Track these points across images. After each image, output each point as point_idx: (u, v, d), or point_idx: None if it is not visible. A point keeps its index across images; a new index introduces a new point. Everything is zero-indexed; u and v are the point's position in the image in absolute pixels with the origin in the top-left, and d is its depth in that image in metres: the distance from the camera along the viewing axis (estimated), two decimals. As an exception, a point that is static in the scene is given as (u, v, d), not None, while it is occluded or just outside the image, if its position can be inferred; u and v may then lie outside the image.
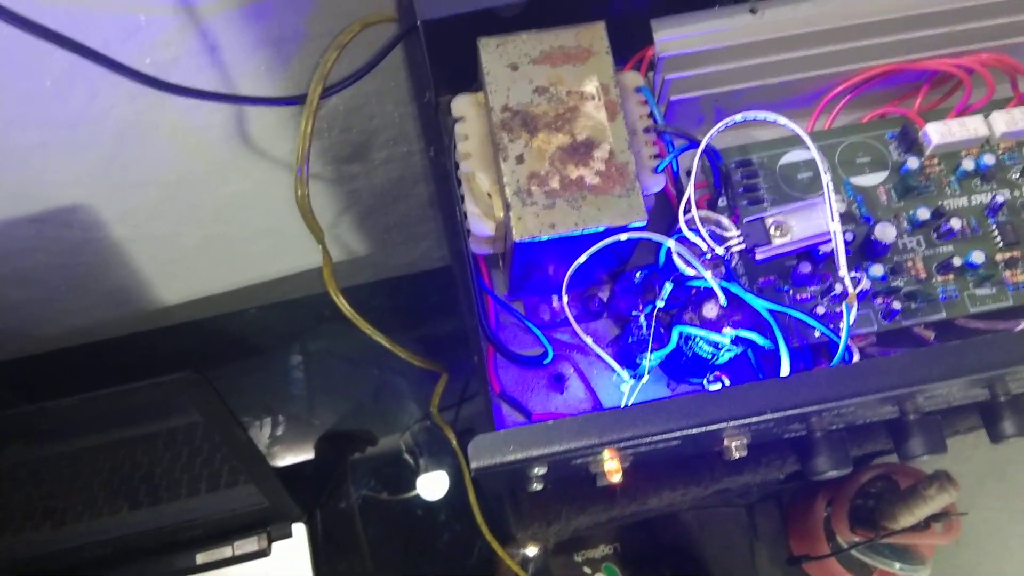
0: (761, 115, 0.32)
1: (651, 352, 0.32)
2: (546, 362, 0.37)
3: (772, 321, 0.32)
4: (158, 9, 0.47)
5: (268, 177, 0.74)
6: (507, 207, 0.31)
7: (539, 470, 0.29)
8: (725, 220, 0.33)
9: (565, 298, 0.33)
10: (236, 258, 0.88)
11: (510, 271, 0.35)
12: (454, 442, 0.73)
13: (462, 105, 0.34)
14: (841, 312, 0.33)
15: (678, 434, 0.28)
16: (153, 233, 0.77)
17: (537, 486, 0.31)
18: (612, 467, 0.30)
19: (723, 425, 0.28)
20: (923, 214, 0.35)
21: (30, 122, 0.56)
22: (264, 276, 0.94)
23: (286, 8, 0.52)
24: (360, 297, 0.64)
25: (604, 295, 0.37)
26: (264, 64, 0.54)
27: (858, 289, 0.31)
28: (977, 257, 0.34)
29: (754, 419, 0.28)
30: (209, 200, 0.74)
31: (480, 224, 0.33)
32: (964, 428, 0.37)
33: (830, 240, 0.32)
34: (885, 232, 0.33)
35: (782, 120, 0.32)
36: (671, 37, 0.35)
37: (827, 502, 0.74)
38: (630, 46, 0.37)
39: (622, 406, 0.32)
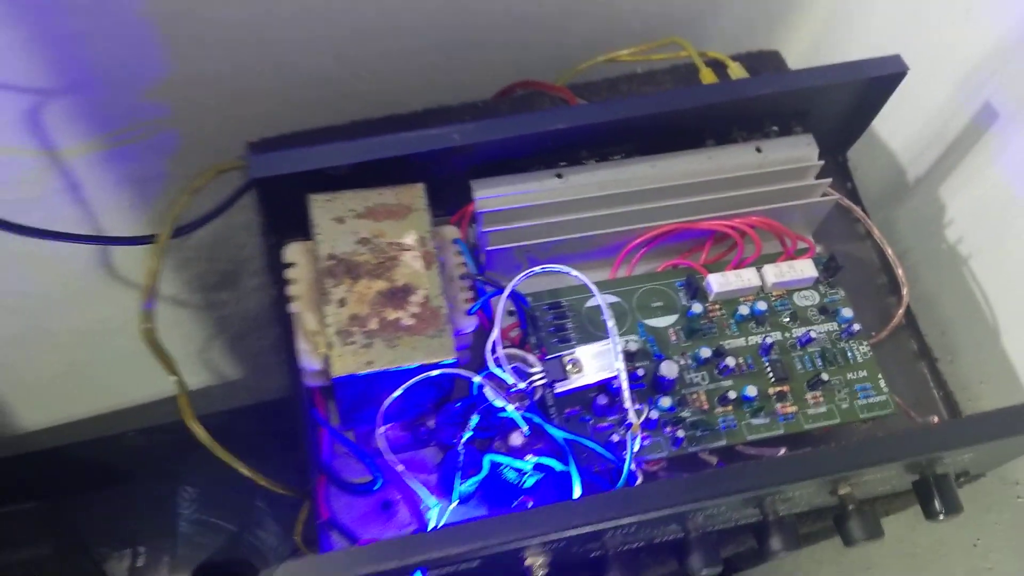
0: (555, 268, 0.36)
1: (463, 479, 0.35)
2: (375, 488, 0.38)
3: (567, 449, 0.35)
4: (20, 151, 0.49)
5: (134, 304, 0.74)
6: (329, 346, 0.34)
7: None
8: (531, 357, 0.37)
9: (380, 429, 0.35)
10: (100, 384, 0.86)
11: (337, 404, 0.37)
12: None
13: (293, 252, 0.37)
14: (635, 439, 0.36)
15: (477, 549, 0.30)
16: (12, 360, 0.76)
17: None
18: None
19: (514, 543, 0.30)
20: (705, 353, 0.39)
21: None
22: (131, 401, 0.92)
23: (149, 151, 0.54)
24: (232, 422, 0.64)
25: (431, 424, 0.39)
26: (128, 201, 0.56)
27: (641, 419, 0.35)
28: (751, 391, 0.38)
29: (541, 537, 0.30)
30: (71, 326, 0.73)
31: (309, 359, 0.36)
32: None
33: (615, 379, 0.35)
34: (670, 369, 0.37)
35: (574, 272, 0.36)
36: (488, 196, 0.40)
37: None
38: (455, 201, 0.41)
39: (427, 530, 0.34)
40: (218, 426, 0.54)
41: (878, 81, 0.42)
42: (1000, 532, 0.53)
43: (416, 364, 0.34)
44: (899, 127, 0.53)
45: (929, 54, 0.48)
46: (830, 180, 0.43)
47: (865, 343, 0.41)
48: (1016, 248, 0.47)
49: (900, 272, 0.45)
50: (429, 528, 0.34)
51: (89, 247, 0.62)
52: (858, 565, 0.61)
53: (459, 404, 0.38)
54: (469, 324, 0.36)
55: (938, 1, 0.49)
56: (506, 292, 0.36)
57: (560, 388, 0.36)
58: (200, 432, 0.57)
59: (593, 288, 0.36)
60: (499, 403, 0.35)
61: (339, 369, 0.33)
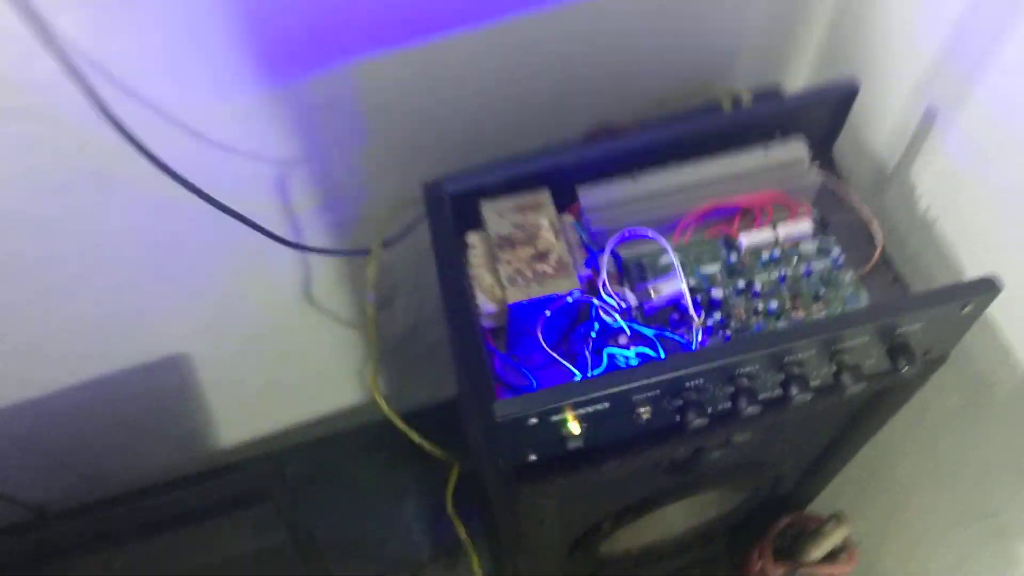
0: (639, 231, 0.57)
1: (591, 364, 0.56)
2: (534, 389, 0.59)
3: (656, 342, 0.55)
4: (267, 206, 0.73)
5: (323, 327, 0.97)
6: (503, 288, 0.56)
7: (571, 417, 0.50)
8: (627, 292, 0.57)
9: (540, 335, 0.56)
10: (288, 400, 1.09)
11: (507, 332, 0.58)
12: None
13: (472, 238, 0.59)
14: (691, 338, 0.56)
15: (609, 392, 0.50)
16: (230, 377, 0.99)
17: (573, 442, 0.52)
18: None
19: (627, 386, 0.50)
20: (740, 285, 0.59)
21: (161, 289, 0.80)
22: (308, 416, 1.14)
23: (347, 202, 0.78)
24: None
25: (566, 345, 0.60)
26: (333, 237, 0.80)
27: (700, 320, 0.55)
28: (774, 305, 0.58)
29: (645, 381, 0.50)
30: (277, 347, 0.97)
31: (487, 303, 0.57)
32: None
33: (684, 297, 0.56)
34: (718, 292, 0.58)
35: (651, 233, 0.57)
36: (588, 196, 0.61)
37: (758, 554, 0.93)
38: (569, 200, 0.62)
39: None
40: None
41: (841, 97, 0.63)
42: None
43: (557, 293, 0.55)
44: (871, 130, 0.73)
45: (887, 69, 0.69)
46: (817, 163, 0.63)
47: (851, 272, 0.60)
48: (965, 208, 0.66)
49: (875, 224, 0.64)
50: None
51: (300, 276, 0.85)
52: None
53: (582, 327, 0.58)
54: (586, 273, 0.58)
55: (884, 28, 0.70)
56: (607, 251, 0.57)
57: (649, 304, 0.56)
58: (381, 402, 0.78)
59: (664, 241, 0.57)
60: (608, 319, 0.56)
61: (513, 297, 0.55)
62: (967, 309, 0.54)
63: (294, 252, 0.82)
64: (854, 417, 0.72)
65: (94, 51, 0.55)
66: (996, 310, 0.65)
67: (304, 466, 1.10)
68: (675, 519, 0.89)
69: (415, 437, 0.82)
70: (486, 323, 0.60)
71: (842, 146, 0.71)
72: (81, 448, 0.97)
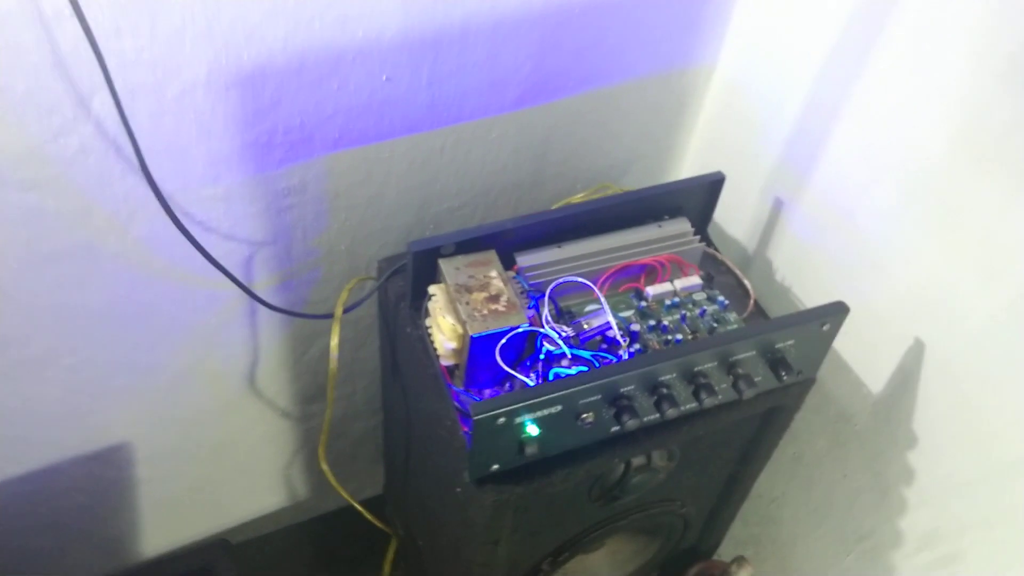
0: (575, 279, 0.70)
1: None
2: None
3: (593, 360, 0.67)
4: (225, 285, 0.81)
5: (260, 417, 1.03)
6: (464, 324, 0.67)
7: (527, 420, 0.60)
8: (564, 326, 0.70)
9: (498, 356, 0.67)
10: (216, 501, 1.11)
11: (466, 365, 0.69)
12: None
13: (434, 288, 0.70)
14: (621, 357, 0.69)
15: (557, 396, 0.61)
16: (162, 473, 1.01)
17: (530, 449, 0.62)
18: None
19: (569, 390, 0.62)
20: (651, 323, 0.73)
21: (120, 367, 0.85)
22: (235, 520, 1.16)
23: (297, 290, 0.87)
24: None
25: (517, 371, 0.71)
26: (288, 324, 0.89)
27: (625, 345, 0.68)
28: (679, 337, 0.72)
29: (584, 386, 0.62)
30: (214, 438, 1.01)
31: (448, 342, 0.68)
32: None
33: (611, 328, 0.69)
34: (635, 327, 0.71)
35: (581, 280, 0.71)
36: (524, 259, 0.74)
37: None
38: (509, 261, 0.75)
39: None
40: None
41: (711, 185, 0.80)
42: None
43: (509, 326, 0.67)
44: (739, 214, 0.92)
45: (746, 170, 0.88)
46: (699, 236, 0.79)
47: (735, 313, 0.76)
48: (809, 269, 0.84)
49: (747, 282, 0.80)
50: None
51: (245, 362, 0.92)
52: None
53: (529, 359, 0.70)
54: (530, 313, 0.70)
55: (742, 139, 0.90)
56: (547, 293, 0.70)
57: (583, 334, 0.69)
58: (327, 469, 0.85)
59: (591, 284, 0.70)
60: (551, 346, 0.68)
61: (473, 330, 0.66)
62: (826, 327, 0.70)
63: (245, 335, 0.89)
64: (745, 451, 0.85)
65: (117, 131, 0.65)
66: (845, 348, 0.82)
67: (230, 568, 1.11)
68: (602, 571, 0.97)
69: (359, 508, 0.89)
70: (446, 362, 0.70)
71: (721, 225, 0.88)
72: (3, 551, 0.95)
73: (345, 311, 0.78)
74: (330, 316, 0.78)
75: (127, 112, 0.62)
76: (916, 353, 0.76)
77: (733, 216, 0.94)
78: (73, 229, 0.70)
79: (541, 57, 0.79)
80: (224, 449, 1.03)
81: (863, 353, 0.83)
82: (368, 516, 0.93)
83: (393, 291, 0.78)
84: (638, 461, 0.76)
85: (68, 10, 0.56)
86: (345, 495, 0.91)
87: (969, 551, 0.77)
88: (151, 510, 1.04)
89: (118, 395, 0.88)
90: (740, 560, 0.99)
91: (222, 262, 0.76)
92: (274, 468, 1.12)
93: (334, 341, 0.78)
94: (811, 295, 0.86)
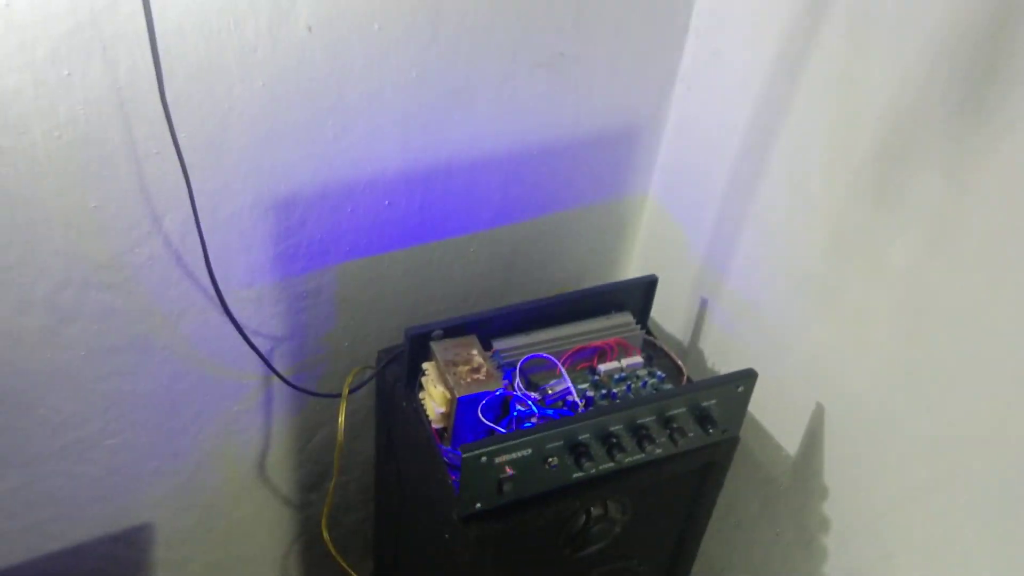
0: (539, 353, 0.88)
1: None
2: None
3: (554, 416, 0.83)
4: (248, 375, 0.97)
5: (266, 503, 1.15)
6: (452, 390, 0.83)
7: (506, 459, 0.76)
8: (532, 392, 0.86)
9: (480, 414, 0.83)
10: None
11: (453, 426, 0.84)
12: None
13: (427, 365, 0.87)
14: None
15: (526, 442, 0.77)
16: (177, 556, 1.12)
17: (507, 487, 0.77)
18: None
19: (529, 438, 0.78)
20: (603, 392, 0.90)
21: (154, 451, 0.99)
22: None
23: (306, 381, 1.03)
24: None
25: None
26: (297, 413, 1.04)
27: (583, 404, 0.85)
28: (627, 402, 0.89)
29: (552, 432, 0.78)
30: (224, 523, 1.13)
31: (438, 407, 0.84)
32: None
33: (571, 392, 0.86)
34: (590, 393, 0.88)
35: (545, 354, 0.88)
36: (499, 343, 0.92)
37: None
38: (488, 344, 0.92)
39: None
40: None
41: (647, 285, 0.99)
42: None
43: (488, 390, 0.83)
44: (674, 310, 1.11)
45: (677, 275, 1.08)
46: (640, 325, 0.98)
47: (670, 384, 0.93)
48: (732, 354, 1.03)
49: (680, 362, 0.98)
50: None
51: (258, 449, 1.06)
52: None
53: (503, 421, 0.86)
54: (504, 384, 0.86)
55: (674, 252, 1.10)
56: (518, 366, 0.87)
57: (547, 397, 0.86)
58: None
59: (553, 358, 0.88)
60: (522, 407, 0.84)
61: (460, 393, 0.82)
62: (740, 388, 0.87)
63: (260, 423, 1.04)
64: (689, 509, 0.99)
65: (179, 243, 0.83)
66: (764, 417, 1.00)
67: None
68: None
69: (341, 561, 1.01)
70: (436, 426, 0.86)
71: (660, 323, 1.07)
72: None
73: (351, 391, 0.94)
74: (339, 395, 0.94)
75: (189, 230, 0.81)
76: (818, 415, 0.94)
77: (670, 315, 1.13)
78: (134, 324, 0.86)
79: (507, 187, 1.00)
80: (232, 535, 1.14)
81: (779, 420, 1.00)
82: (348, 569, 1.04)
83: (390, 376, 0.95)
84: (597, 511, 0.90)
85: (157, 148, 0.75)
86: (345, 565, 1.03)
87: (878, 583, 0.92)
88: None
89: (149, 478, 1.00)
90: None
91: (245, 357, 0.92)
92: (274, 556, 1.22)
93: (341, 417, 0.93)
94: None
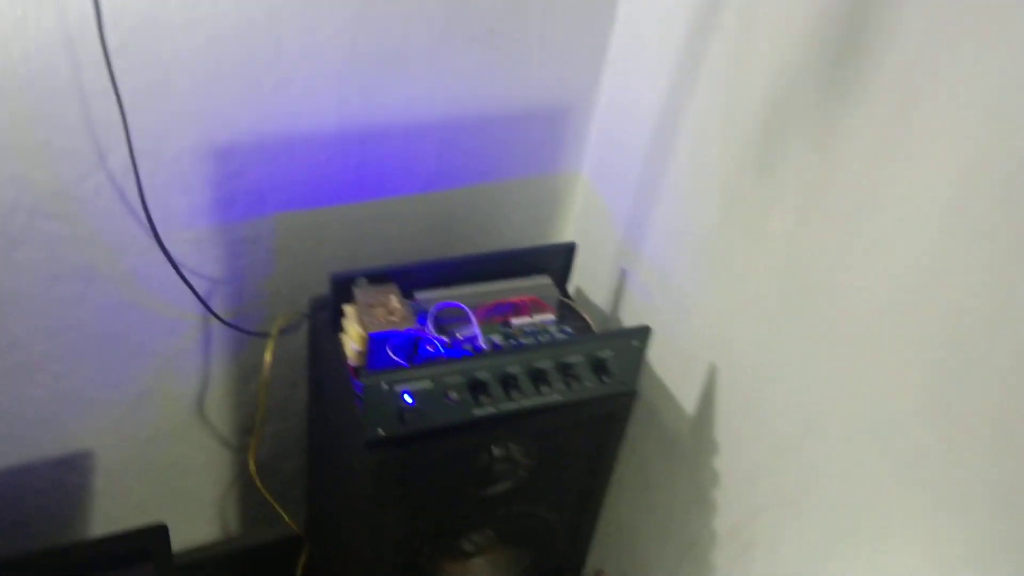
0: (453, 302, 0.95)
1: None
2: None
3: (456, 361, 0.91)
4: (187, 314, 1.04)
5: (204, 444, 1.22)
6: (366, 328, 0.90)
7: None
8: (443, 335, 0.93)
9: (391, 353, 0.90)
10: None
11: (366, 363, 0.91)
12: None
13: (347, 307, 0.94)
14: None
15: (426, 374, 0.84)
16: (116, 487, 1.19)
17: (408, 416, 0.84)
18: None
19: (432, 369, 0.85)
20: (512, 343, 0.97)
21: (94, 381, 1.06)
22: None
23: (243, 324, 1.10)
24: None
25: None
26: (235, 356, 1.11)
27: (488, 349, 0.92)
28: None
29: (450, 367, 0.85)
30: (163, 459, 1.20)
31: (354, 344, 0.91)
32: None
33: (478, 337, 0.93)
34: (498, 342, 0.95)
35: (458, 302, 0.95)
36: (420, 295, 0.99)
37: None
38: (410, 296, 0.99)
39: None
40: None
41: (566, 251, 1.07)
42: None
43: (399, 329, 0.90)
44: (598, 277, 1.18)
45: (601, 247, 1.15)
46: (558, 289, 1.05)
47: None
48: (649, 319, 1.10)
49: (590, 321, 1.05)
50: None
51: (197, 389, 1.13)
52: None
53: (415, 359, 0.93)
54: (417, 327, 0.93)
55: (599, 224, 1.18)
56: (431, 311, 0.94)
57: (455, 340, 0.93)
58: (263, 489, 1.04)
59: (463, 305, 0.95)
60: (431, 348, 0.91)
61: (372, 329, 0.89)
62: (635, 343, 0.94)
63: (198, 363, 1.11)
64: (592, 462, 1.06)
65: (123, 181, 0.90)
66: (670, 379, 1.07)
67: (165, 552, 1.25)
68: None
69: (274, 504, 1.07)
70: (353, 363, 0.93)
71: (587, 294, 1.15)
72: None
73: (281, 332, 1.01)
74: (268, 335, 1.01)
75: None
76: (712, 375, 1.01)
77: (596, 287, 1.20)
78: (80, 254, 0.93)
79: (442, 154, 1.07)
80: (172, 471, 1.21)
81: (682, 383, 1.07)
82: (286, 519, 1.11)
83: (319, 323, 1.02)
84: (500, 452, 0.97)
85: (103, 87, 0.82)
86: (269, 497, 1.09)
87: (759, 533, 0.98)
88: (101, 524, 1.20)
89: (90, 406, 1.07)
90: (599, 573, 1.17)
91: (184, 297, 0.99)
92: (212, 496, 1.29)
93: (268, 355, 1.00)
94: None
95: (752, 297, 0.92)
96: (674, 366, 1.08)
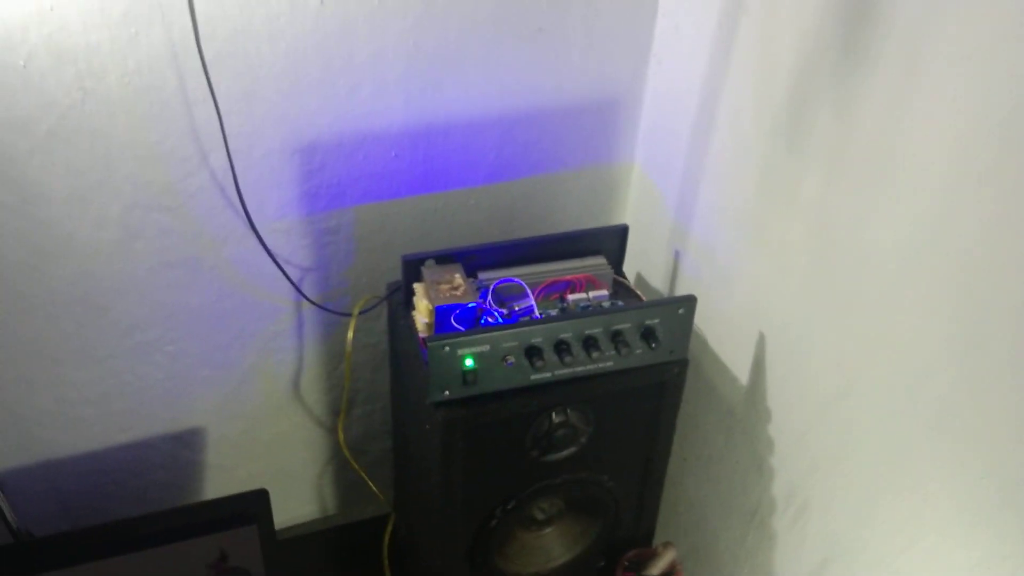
0: (510, 278, 1.03)
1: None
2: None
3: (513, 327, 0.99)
4: (282, 300, 1.16)
5: (301, 423, 1.34)
6: (433, 302, 0.99)
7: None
8: (501, 308, 1.02)
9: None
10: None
11: (433, 332, 1.01)
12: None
13: (417, 285, 1.04)
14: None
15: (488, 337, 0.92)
16: (226, 462, 1.32)
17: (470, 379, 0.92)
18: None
19: (495, 334, 0.93)
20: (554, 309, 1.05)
21: (205, 360, 1.19)
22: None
23: (336, 306, 1.22)
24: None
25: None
26: (326, 339, 1.22)
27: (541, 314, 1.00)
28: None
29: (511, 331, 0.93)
30: (265, 436, 1.32)
31: (422, 317, 1.01)
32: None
33: (534, 309, 1.01)
34: (551, 314, 1.03)
35: (515, 278, 1.03)
36: (483, 274, 1.08)
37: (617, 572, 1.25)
38: (473, 275, 1.08)
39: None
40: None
41: (620, 232, 1.13)
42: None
43: (463, 303, 0.99)
44: (653, 258, 1.24)
45: (655, 230, 1.22)
46: (612, 268, 1.12)
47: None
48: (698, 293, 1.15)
49: (643, 297, 1.11)
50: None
51: (293, 370, 1.25)
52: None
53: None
54: (479, 301, 1.02)
55: (652, 208, 1.24)
56: (491, 287, 1.03)
57: (514, 313, 1.01)
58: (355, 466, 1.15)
59: (520, 281, 1.03)
60: (491, 319, 1.00)
61: (438, 302, 0.99)
62: (681, 311, 1.00)
63: (294, 344, 1.23)
64: (649, 429, 1.12)
65: (223, 178, 1.03)
66: (723, 351, 1.12)
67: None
68: (554, 550, 1.21)
69: (363, 475, 1.18)
70: (422, 335, 1.03)
71: (645, 277, 1.21)
72: (93, 495, 1.25)
73: (361, 312, 1.12)
74: (349, 315, 1.12)
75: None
76: (760, 343, 1.05)
77: (654, 270, 1.26)
78: (188, 245, 1.07)
79: (501, 147, 1.16)
80: (273, 448, 1.33)
81: (733, 354, 1.12)
82: (376, 491, 1.21)
83: (395, 303, 1.12)
84: (559, 418, 1.04)
85: (203, 96, 0.95)
86: (362, 473, 1.20)
87: (812, 494, 1.02)
88: (211, 496, 1.34)
89: (201, 384, 1.21)
90: (667, 544, 1.22)
91: (276, 281, 1.12)
92: (311, 473, 1.41)
93: (350, 333, 1.11)
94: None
95: (788, 264, 0.96)
96: (725, 339, 1.12)
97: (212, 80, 0.92)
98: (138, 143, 0.96)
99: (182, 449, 1.26)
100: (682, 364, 1.05)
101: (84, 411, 1.14)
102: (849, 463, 0.92)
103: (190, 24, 0.89)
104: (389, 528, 1.29)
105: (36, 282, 1.00)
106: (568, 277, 1.09)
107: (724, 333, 1.11)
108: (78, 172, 0.95)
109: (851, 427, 0.91)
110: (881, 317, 0.83)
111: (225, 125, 0.96)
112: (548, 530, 1.22)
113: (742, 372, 1.10)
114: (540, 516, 1.20)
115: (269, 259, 1.10)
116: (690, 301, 1.00)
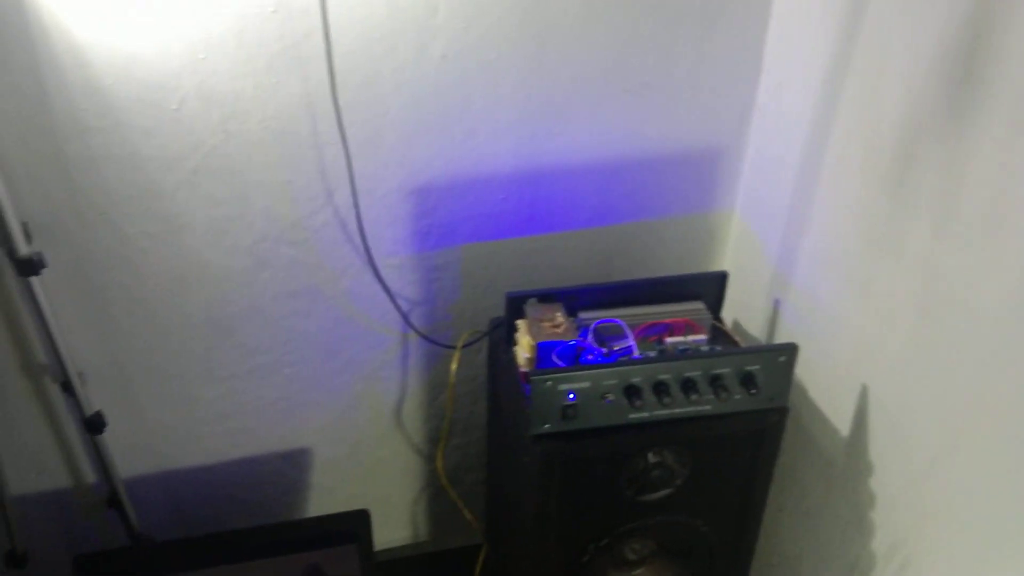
0: (613, 320, 1.05)
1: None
2: (547, 409, 1.02)
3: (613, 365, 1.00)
4: (387, 330, 1.21)
5: (400, 450, 1.38)
6: (535, 338, 1.02)
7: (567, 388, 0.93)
8: (602, 348, 1.03)
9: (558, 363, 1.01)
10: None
11: (535, 366, 1.03)
12: None
13: (520, 321, 1.07)
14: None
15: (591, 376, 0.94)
16: (328, 483, 1.37)
17: (570, 414, 0.94)
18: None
19: (596, 372, 0.95)
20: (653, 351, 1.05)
21: (317, 384, 1.24)
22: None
23: (441, 338, 1.26)
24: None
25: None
26: (429, 370, 1.27)
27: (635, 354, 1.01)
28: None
29: (611, 369, 0.95)
30: (368, 460, 1.36)
31: (524, 353, 1.04)
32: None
33: (633, 349, 1.02)
34: (650, 354, 1.04)
35: (616, 319, 1.05)
36: (583, 314, 1.10)
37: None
38: (574, 315, 1.10)
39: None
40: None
41: (718, 279, 1.14)
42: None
43: (564, 340, 1.01)
44: (751, 306, 1.24)
45: (755, 278, 1.22)
46: (711, 313, 1.12)
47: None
48: (800, 341, 1.14)
49: (740, 342, 1.11)
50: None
51: (396, 397, 1.30)
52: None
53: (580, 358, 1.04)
54: (579, 339, 1.04)
55: (751, 255, 1.24)
56: (592, 326, 1.05)
57: (613, 352, 1.02)
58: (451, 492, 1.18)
59: (620, 321, 1.05)
60: (590, 356, 1.02)
61: (541, 339, 1.01)
62: (782, 359, 0.99)
63: (398, 374, 1.28)
64: (747, 477, 1.10)
65: (345, 214, 1.09)
66: (821, 401, 1.10)
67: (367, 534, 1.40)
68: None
69: (460, 503, 1.20)
70: (523, 369, 1.05)
71: (744, 326, 1.21)
72: (205, 505, 1.32)
73: (464, 345, 1.16)
74: (454, 347, 1.15)
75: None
76: (863, 395, 1.03)
77: (753, 318, 1.26)
78: (310, 275, 1.13)
79: (603, 193, 1.19)
80: (373, 472, 1.38)
81: (834, 405, 1.10)
82: (470, 519, 1.23)
83: (496, 338, 1.16)
84: (655, 459, 1.05)
85: (332, 139, 1.02)
86: (458, 500, 1.22)
87: (915, 551, 0.98)
88: (314, 514, 1.38)
89: (312, 407, 1.26)
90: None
91: (388, 315, 1.17)
92: (407, 499, 1.44)
93: (454, 365, 1.15)
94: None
95: (893, 316, 0.95)
96: (826, 389, 1.10)
97: (343, 125, 0.99)
98: (271, 181, 1.03)
99: (289, 468, 1.31)
100: (782, 412, 1.04)
101: (203, 428, 1.21)
102: (955, 521, 0.89)
103: (326, 75, 0.96)
104: (481, 557, 1.31)
105: (174, 307, 1.08)
106: (667, 320, 1.10)
107: (824, 383, 1.09)
108: (217, 205, 1.02)
109: (958, 484, 0.88)
110: (989, 375, 0.81)
111: (353, 167, 1.02)
112: (639, 571, 1.21)
113: (843, 424, 1.08)
114: (632, 556, 1.19)
115: (382, 291, 1.15)
116: (791, 349, 0.99)
